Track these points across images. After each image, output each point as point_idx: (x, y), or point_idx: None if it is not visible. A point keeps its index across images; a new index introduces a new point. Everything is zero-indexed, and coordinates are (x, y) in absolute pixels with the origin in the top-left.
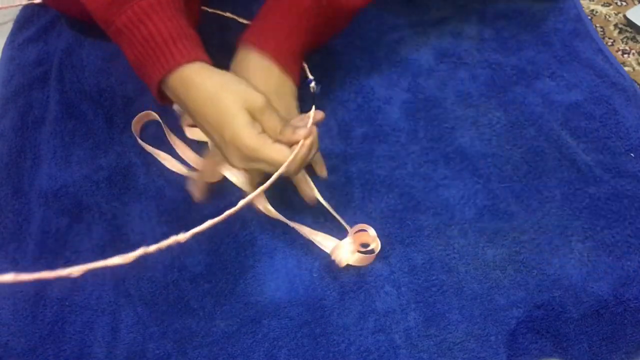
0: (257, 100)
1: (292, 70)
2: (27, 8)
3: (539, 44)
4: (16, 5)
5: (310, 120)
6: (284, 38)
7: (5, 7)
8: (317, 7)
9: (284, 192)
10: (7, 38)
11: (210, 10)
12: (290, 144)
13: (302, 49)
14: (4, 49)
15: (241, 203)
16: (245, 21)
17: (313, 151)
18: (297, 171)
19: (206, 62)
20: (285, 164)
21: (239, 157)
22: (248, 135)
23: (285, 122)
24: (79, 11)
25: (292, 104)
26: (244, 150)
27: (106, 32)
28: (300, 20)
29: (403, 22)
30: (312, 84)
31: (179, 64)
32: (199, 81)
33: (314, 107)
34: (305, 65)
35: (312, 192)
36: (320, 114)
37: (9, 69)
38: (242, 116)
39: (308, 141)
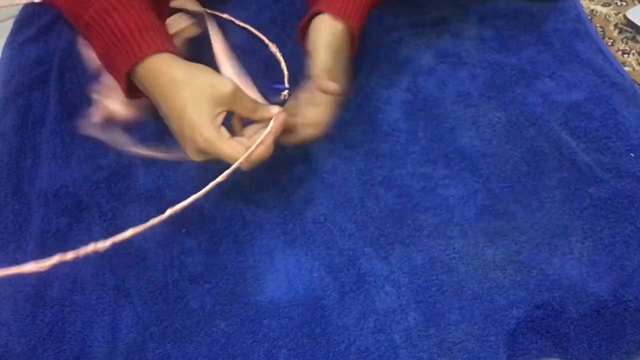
0: (225, 87)
1: (356, 27)
2: (27, 8)
3: (539, 44)
4: (16, 4)
5: (272, 123)
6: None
7: (5, 6)
8: None
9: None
10: (7, 38)
11: (208, 11)
12: (264, 121)
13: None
14: (4, 49)
15: (172, 209)
16: (239, 23)
17: (270, 151)
18: (250, 167)
19: (173, 53)
20: (242, 159)
21: (194, 149)
22: (206, 128)
23: (257, 102)
24: None
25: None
26: (199, 141)
27: (75, 26)
28: None
29: (403, 22)
30: (285, 92)
31: (146, 55)
32: (166, 69)
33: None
34: (286, 73)
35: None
36: (282, 117)
37: (9, 69)
38: (204, 107)
39: (269, 140)
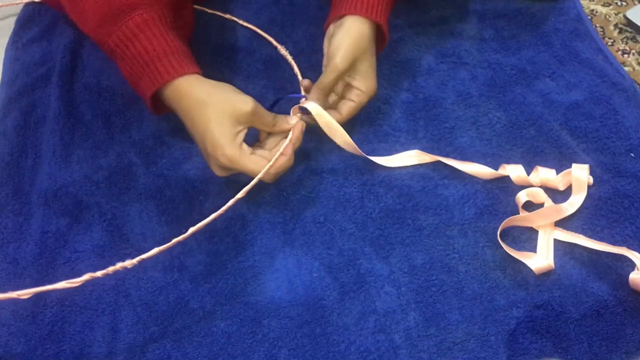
0: (245, 106)
1: (383, 22)
2: (28, 7)
3: (539, 44)
4: (17, 3)
5: (290, 135)
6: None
7: (6, 5)
8: None
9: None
10: (10, 38)
11: (209, 11)
12: (284, 133)
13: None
14: (7, 48)
15: (205, 221)
16: (245, 23)
17: (291, 161)
18: (274, 179)
19: (196, 72)
20: (261, 174)
21: (218, 167)
22: (228, 146)
23: (276, 117)
24: None
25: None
26: (222, 160)
27: (101, 49)
28: None
29: (403, 22)
30: (303, 100)
31: (166, 80)
32: (189, 91)
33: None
34: (300, 79)
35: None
36: (301, 125)
37: (14, 69)
38: (226, 126)
39: (289, 150)
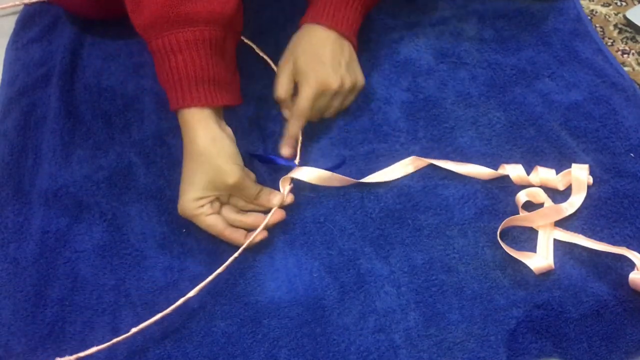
0: (228, 178)
1: (349, 35)
2: (28, 7)
3: (539, 44)
4: (17, 5)
5: (269, 216)
6: (337, 8)
7: (7, 7)
8: None
9: None
10: (10, 38)
11: None
12: (263, 208)
13: (357, 14)
14: (7, 49)
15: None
16: (246, 41)
17: (264, 234)
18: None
19: (218, 108)
20: (243, 246)
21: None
22: (187, 205)
23: (261, 191)
24: (80, 5)
25: (355, 65)
26: (179, 209)
27: (147, 46)
28: None
29: (403, 22)
30: (295, 168)
31: (188, 105)
32: (193, 128)
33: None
34: (300, 142)
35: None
36: (280, 214)
37: (14, 69)
38: (198, 186)
39: (258, 238)
